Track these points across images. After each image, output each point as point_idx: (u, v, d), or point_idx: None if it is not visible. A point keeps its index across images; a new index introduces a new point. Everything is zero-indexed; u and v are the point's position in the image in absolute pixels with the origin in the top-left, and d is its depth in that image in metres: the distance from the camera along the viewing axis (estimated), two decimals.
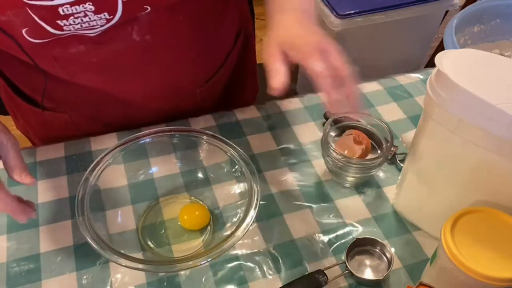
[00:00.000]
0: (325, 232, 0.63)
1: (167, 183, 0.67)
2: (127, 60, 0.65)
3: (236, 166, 0.62)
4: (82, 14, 0.53)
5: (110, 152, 0.62)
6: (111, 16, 0.55)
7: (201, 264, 0.53)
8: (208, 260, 0.53)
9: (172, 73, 0.72)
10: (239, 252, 0.60)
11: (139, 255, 0.59)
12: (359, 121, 0.68)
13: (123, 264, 0.52)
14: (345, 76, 0.51)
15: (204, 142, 0.65)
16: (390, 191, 0.67)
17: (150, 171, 0.67)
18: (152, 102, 0.74)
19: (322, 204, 0.66)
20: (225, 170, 0.65)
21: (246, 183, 0.60)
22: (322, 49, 0.52)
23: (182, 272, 0.58)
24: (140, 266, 0.53)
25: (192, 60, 0.73)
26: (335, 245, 0.61)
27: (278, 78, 0.51)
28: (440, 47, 1.68)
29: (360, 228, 0.63)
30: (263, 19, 0.69)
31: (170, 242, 0.61)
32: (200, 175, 0.67)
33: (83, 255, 0.60)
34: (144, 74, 0.70)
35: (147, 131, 0.65)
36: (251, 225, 0.55)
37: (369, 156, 0.66)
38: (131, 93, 0.72)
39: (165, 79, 0.73)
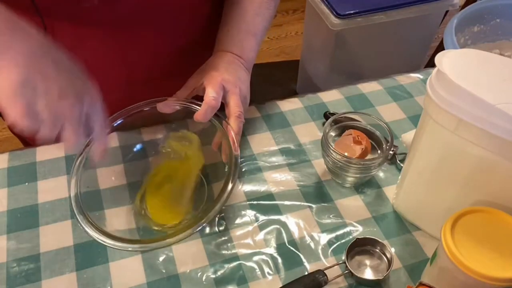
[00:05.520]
0: (325, 232, 0.63)
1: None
2: (135, 26, 0.65)
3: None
4: None
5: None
6: None
7: (194, 232, 0.55)
8: (197, 229, 0.55)
9: (177, 45, 0.73)
10: (239, 252, 0.60)
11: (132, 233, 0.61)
12: (359, 121, 0.68)
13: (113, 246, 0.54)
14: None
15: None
16: (390, 191, 0.67)
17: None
18: (152, 84, 0.74)
19: (322, 204, 0.66)
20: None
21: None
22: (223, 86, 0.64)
23: (182, 271, 0.58)
24: (130, 246, 0.54)
25: (200, 28, 0.75)
26: (335, 245, 0.61)
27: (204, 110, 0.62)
28: (440, 47, 1.68)
29: (360, 228, 0.63)
30: None
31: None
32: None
33: (83, 255, 0.60)
34: (151, 43, 0.70)
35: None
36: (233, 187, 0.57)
37: (369, 156, 0.66)
38: (134, 67, 0.72)
39: (172, 51, 0.73)
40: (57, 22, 0.63)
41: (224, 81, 0.65)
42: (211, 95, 0.62)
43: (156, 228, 0.62)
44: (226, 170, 0.59)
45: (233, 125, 0.63)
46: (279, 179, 0.69)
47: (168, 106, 0.65)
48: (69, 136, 0.49)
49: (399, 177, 0.65)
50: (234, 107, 0.64)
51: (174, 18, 0.71)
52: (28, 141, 0.85)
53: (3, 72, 0.43)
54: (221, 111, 0.65)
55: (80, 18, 0.63)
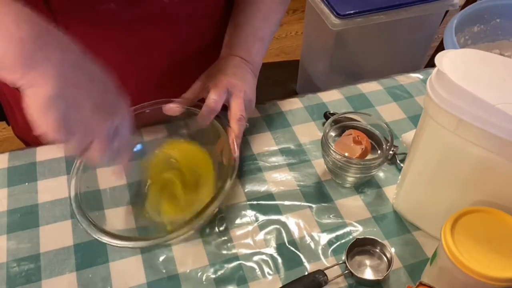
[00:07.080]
0: (325, 232, 0.63)
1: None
2: (149, 29, 0.66)
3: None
4: None
5: None
6: None
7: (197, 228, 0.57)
8: (199, 224, 0.55)
9: (189, 49, 0.73)
10: (239, 252, 0.60)
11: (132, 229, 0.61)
12: (359, 121, 0.68)
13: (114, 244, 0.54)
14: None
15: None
16: (390, 191, 0.67)
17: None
18: (163, 87, 0.74)
19: (322, 204, 0.66)
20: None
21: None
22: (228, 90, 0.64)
23: (182, 271, 0.58)
24: (131, 243, 0.55)
25: (210, 34, 0.75)
26: (335, 245, 0.61)
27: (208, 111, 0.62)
28: (440, 47, 1.68)
29: (360, 228, 0.63)
30: None
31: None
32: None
33: (83, 255, 0.60)
34: (164, 47, 0.70)
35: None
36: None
37: (369, 156, 0.66)
38: (146, 70, 0.72)
39: (184, 55, 0.73)
40: (71, 24, 0.62)
41: (230, 85, 0.65)
42: (212, 97, 0.63)
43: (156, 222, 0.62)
44: (224, 170, 0.60)
45: (234, 128, 0.63)
46: (279, 179, 0.69)
47: (173, 108, 0.65)
48: (95, 152, 0.49)
49: (399, 177, 0.65)
50: (236, 111, 0.64)
51: (187, 23, 0.71)
52: (30, 143, 0.85)
53: (37, 84, 0.43)
54: (225, 112, 0.65)
55: (94, 20, 0.63)
